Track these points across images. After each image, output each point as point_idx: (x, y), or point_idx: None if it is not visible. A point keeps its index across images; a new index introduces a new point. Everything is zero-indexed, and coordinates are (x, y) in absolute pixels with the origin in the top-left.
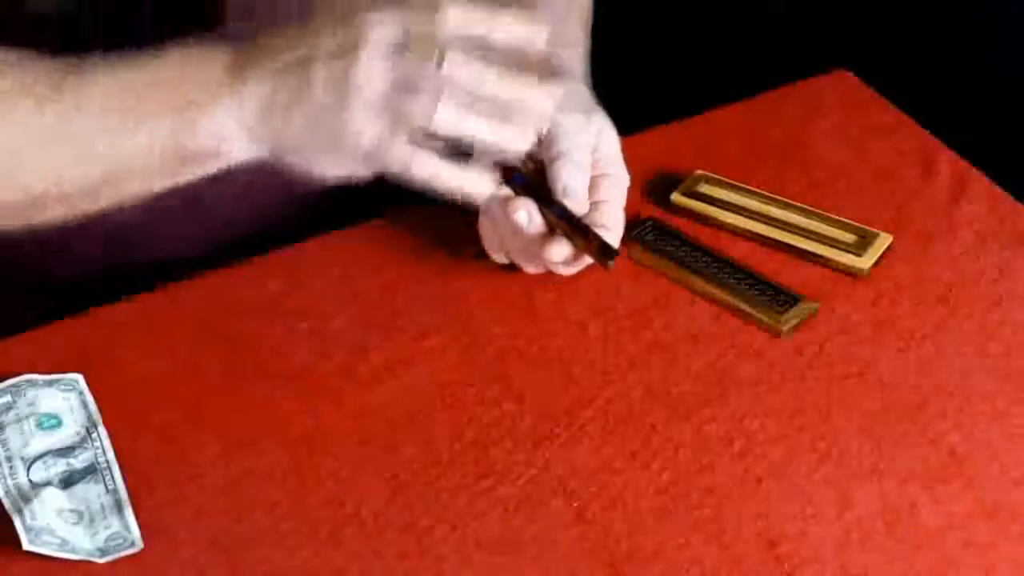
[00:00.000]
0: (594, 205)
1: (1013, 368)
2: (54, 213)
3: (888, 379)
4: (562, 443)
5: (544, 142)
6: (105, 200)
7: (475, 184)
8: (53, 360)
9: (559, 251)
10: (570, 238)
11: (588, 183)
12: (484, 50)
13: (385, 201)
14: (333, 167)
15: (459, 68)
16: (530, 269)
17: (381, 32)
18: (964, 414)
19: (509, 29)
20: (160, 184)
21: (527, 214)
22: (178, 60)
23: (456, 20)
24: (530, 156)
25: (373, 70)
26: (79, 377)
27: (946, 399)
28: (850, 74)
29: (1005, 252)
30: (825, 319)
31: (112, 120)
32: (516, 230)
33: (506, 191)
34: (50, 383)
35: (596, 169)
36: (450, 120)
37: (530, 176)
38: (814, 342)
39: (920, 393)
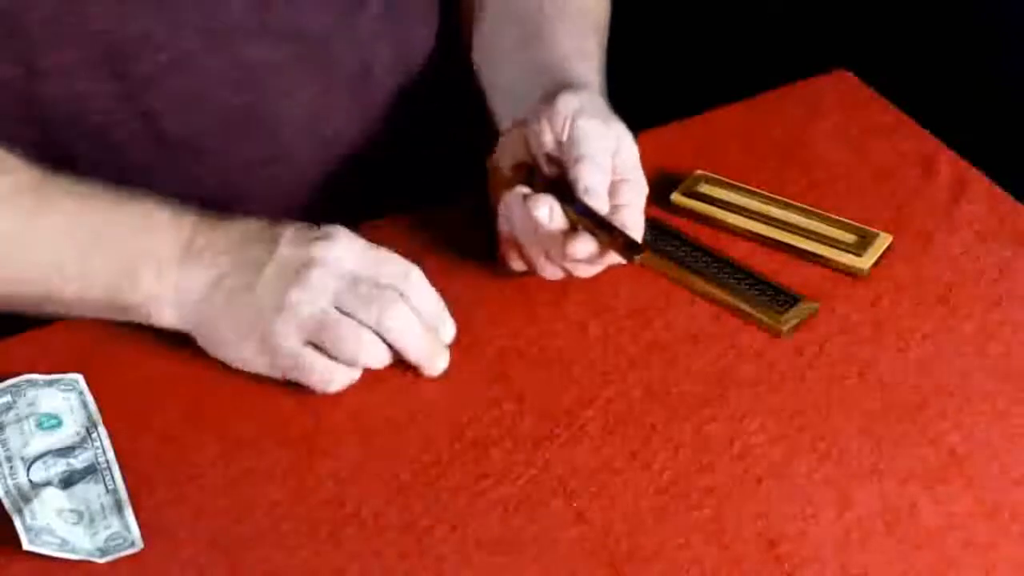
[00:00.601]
0: (614, 208)
1: (1013, 368)
2: None
3: (888, 379)
4: (562, 443)
5: (565, 145)
6: (36, 309)
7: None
8: (53, 360)
9: (583, 247)
10: (593, 235)
11: (608, 185)
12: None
13: (385, 202)
14: (244, 361)
15: (394, 319)
16: (549, 273)
17: (337, 255)
18: (964, 414)
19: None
20: (91, 315)
21: (549, 209)
22: (144, 211)
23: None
24: (550, 159)
25: (316, 291)
26: (79, 377)
27: (946, 399)
28: (850, 74)
29: (1005, 252)
30: (825, 319)
31: (66, 247)
32: (538, 228)
33: (525, 189)
34: (50, 383)
35: (616, 174)
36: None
37: (551, 177)
38: (814, 342)
39: (920, 393)
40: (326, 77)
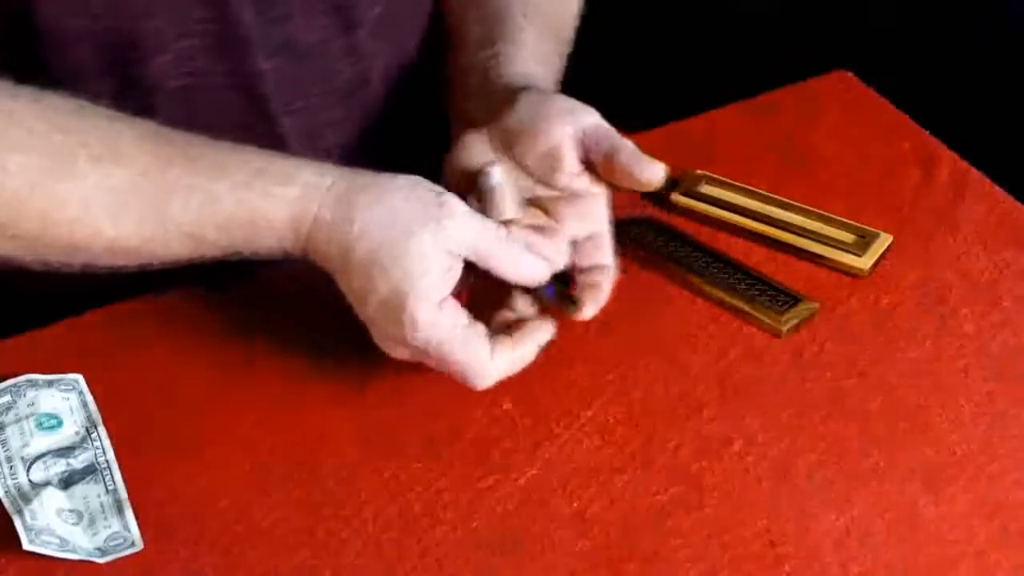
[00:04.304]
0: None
1: (1013, 368)
2: (96, 260)
3: (888, 379)
4: (562, 443)
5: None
6: (138, 260)
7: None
8: (53, 360)
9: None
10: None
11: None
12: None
13: None
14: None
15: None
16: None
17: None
18: (964, 414)
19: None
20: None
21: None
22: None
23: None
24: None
25: (420, 319)
26: (79, 377)
27: (946, 399)
28: (850, 74)
29: (1005, 252)
30: (825, 319)
31: (190, 201)
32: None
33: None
34: (50, 383)
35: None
36: None
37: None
38: (814, 342)
39: (920, 393)
40: (324, 87)
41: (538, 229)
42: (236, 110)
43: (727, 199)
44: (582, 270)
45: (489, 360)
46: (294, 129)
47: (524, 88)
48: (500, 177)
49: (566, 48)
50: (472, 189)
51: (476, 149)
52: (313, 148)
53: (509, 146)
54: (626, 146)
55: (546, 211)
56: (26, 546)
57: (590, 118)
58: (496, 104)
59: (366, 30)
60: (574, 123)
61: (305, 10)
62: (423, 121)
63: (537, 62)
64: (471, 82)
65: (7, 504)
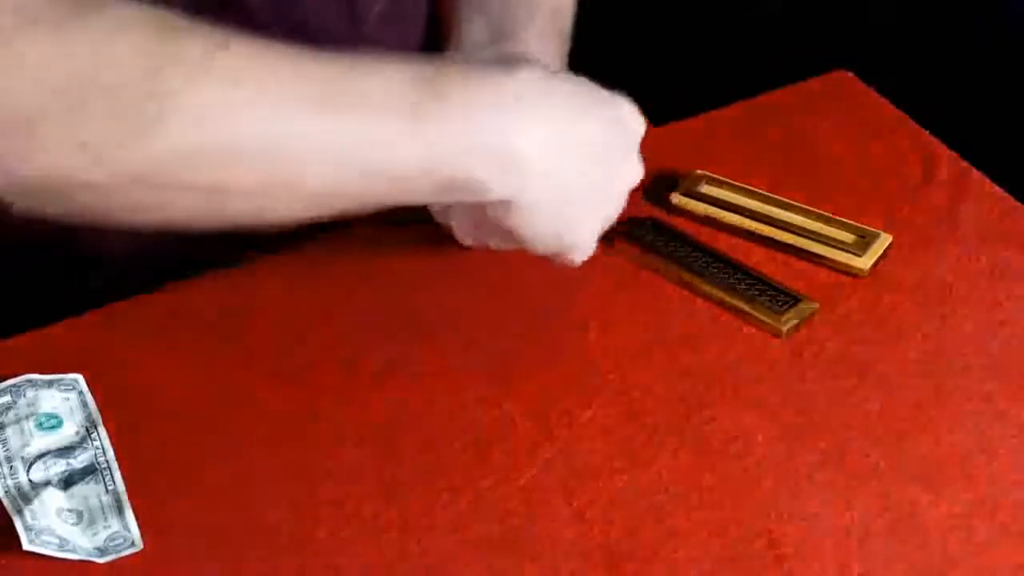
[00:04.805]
0: None
1: (1013, 368)
2: (285, 210)
3: (888, 379)
4: (562, 443)
5: None
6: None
7: None
8: (53, 360)
9: None
10: None
11: None
12: None
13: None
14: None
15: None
16: (505, 246)
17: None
18: (964, 414)
19: None
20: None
21: None
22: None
23: None
24: None
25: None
26: (79, 377)
27: (946, 399)
28: (850, 74)
29: (1005, 252)
30: (825, 319)
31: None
32: None
33: None
34: (50, 383)
35: None
36: None
37: None
38: (814, 342)
39: (920, 393)
40: None
41: None
42: None
43: (727, 199)
44: None
45: None
46: None
47: None
48: None
49: (567, 42)
50: None
51: None
52: None
53: None
54: None
55: None
56: (26, 546)
57: None
58: None
59: (374, 18)
60: None
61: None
62: None
63: (542, 57)
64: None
65: (7, 504)
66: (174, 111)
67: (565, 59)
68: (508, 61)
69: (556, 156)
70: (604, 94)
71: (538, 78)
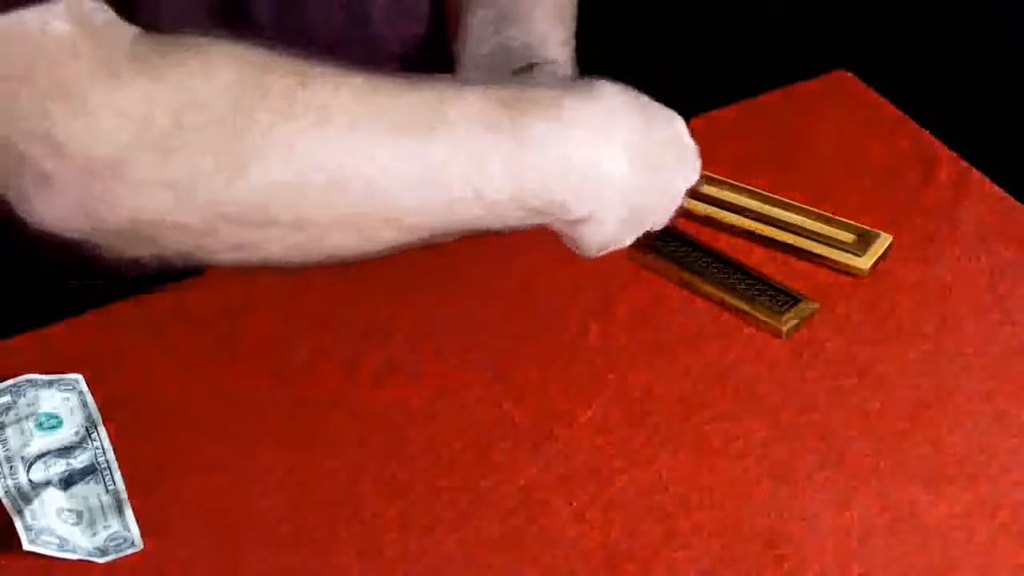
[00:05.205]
0: None
1: (1013, 368)
2: (382, 239)
3: (888, 379)
4: (562, 443)
5: None
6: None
7: None
8: (53, 360)
9: None
10: None
11: None
12: None
13: None
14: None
15: None
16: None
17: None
18: (964, 414)
19: None
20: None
21: None
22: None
23: None
24: None
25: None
26: (79, 377)
27: (946, 399)
28: (850, 74)
29: (1005, 252)
30: (825, 319)
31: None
32: None
33: None
34: (50, 383)
35: None
36: None
37: None
38: (814, 342)
39: (920, 393)
40: None
41: None
42: None
43: (727, 199)
44: None
45: None
46: None
47: (537, 64)
48: None
49: (573, 27)
50: None
51: None
52: None
53: None
54: None
55: None
56: (26, 546)
57: None
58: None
59: (378, 17)
60: None
61: (320, 2)
62: None
63: (550, 43)
64: (477, 61)
65: (7, 504)
66: (264, 147)
67: (572, 44)
68: (583, 81)
69: (632, 173)
70: (666, 110)
71: (618, 94)
